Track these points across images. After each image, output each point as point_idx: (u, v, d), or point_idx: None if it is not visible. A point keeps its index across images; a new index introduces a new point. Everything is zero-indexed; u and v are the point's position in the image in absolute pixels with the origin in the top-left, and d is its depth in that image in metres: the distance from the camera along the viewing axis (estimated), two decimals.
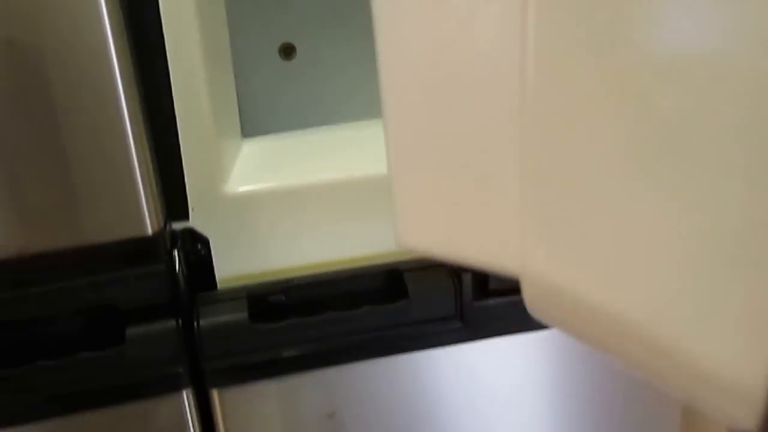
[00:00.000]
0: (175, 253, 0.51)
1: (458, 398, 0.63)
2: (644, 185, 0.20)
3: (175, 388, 0.54)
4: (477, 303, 0.60)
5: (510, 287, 0.62)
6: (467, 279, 0.59)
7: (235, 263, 0.57)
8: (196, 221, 0.55)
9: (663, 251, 0.21)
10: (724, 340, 0.20)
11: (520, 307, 0.62)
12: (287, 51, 0.80)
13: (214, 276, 0.58)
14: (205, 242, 0.56)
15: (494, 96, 0.23)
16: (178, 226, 0.56)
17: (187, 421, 0.55)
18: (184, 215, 0.55)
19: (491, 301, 0.61)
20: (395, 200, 0.27)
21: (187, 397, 0.55)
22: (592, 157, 0.21)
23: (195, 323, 0.53)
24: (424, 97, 0.25)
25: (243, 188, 0.57)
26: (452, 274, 0.59)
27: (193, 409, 0.55)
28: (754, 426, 0.20)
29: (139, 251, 0.49)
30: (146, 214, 0.48)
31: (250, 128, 0.68)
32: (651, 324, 0.21)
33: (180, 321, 0.52)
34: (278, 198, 0.58)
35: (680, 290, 0.21)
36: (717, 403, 0.21)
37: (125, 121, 0.46)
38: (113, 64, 0.45)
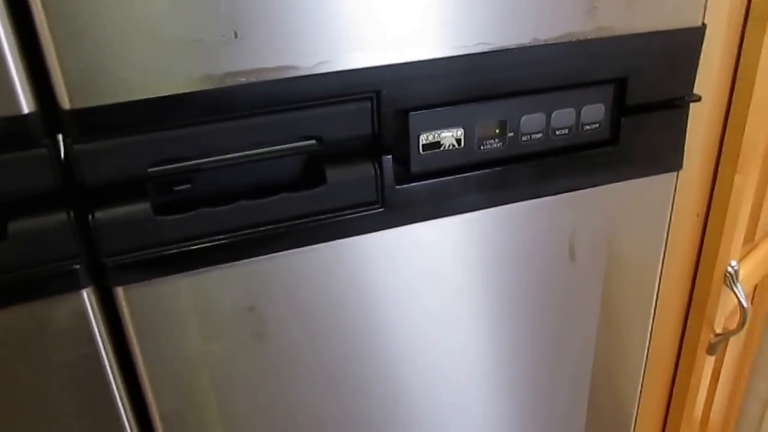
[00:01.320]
0: (60, 137, 0.45)
1: (383, 286, 0.61)
2: None
3: (73, 287, 0.49)
4: (399, 187, 0.57)
5: (433, 170, 0.59)
6: (388, 162, 0.56)
7: None
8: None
9: None
10: None
11: (443, 191, 0.60)
12: None
13: None
14: None
15: None
16: None
17: (91, 322, 0.51)
18: None
19: (414, 185, 0.58)
20: None
21: (88, 297, 0.50)
22: None
23: (90, 216, 0.48)
24: None
25: None
26: (372, 157, 0.55)
27: (96, 309, 0.51)
28: None
29: (16, 133, 0.42)
30: (19, 89, 0.41)
31: None
32: None
33: (72, 214, 0.47)
34: None
35: None
36: None
37: None
38: None
